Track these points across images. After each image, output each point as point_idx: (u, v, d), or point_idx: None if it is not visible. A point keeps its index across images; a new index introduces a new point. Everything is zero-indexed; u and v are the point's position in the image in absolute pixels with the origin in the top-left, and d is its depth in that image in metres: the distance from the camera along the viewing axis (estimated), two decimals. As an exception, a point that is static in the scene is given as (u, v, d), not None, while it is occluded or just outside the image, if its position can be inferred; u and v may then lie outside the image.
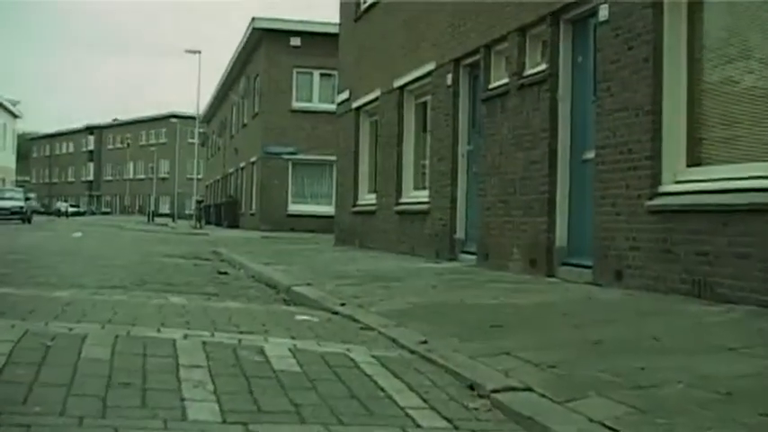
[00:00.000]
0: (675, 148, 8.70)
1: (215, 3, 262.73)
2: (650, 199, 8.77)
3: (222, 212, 48.15)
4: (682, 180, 8.60)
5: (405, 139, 17.38)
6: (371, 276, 11.07)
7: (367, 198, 19.99)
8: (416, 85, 16.60)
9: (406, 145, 17.35)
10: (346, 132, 21.52)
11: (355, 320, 6.95)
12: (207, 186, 70.69)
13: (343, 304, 7.95)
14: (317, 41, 35.33)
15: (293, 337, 5.69)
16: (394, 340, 5.87)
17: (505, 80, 12.30)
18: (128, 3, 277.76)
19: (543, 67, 11.23)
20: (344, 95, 21.75)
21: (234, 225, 44.32)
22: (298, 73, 38.33)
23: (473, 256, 13.33)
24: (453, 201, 14.37)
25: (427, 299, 8.19)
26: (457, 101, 14.34)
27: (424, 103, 16.69)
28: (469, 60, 13.99)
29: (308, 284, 10.02)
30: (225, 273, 13.01)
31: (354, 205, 20.55)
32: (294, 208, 38.30)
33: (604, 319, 6.68)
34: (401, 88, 17.30)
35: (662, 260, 8.51)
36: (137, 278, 11.00)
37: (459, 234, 14.27)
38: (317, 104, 37.64)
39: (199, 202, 48.73)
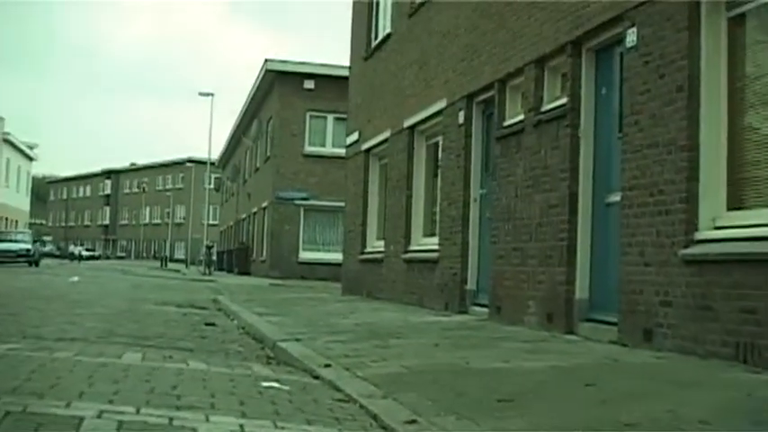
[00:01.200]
0: (715, 190, 7.59)
1: (233, 46, 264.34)
2: (685, 247, 7.64)
3: (233, 259, 47.15)
4: (722, 226, 7.48)
5: (414, 182, 16.32)
6: (369, 331, 9.94)
7: (375, 245, 18.90)
8: (427, 124, 15.56)
9: (415, 189, 16.28)
10: (355, 176, 20.49)
11: (336, 388, 5.83)
12: (221, 232, 69.90)
13: (328, 365, 6.82)
14: (331, 84, 34.45)
15: (244, 415, 4.55)
16: (375, 417, 4.75)
17: (521, 116, 11.24)
18: (145, 45, 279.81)
19: (563, 101, 10.16)
20: (354, 137, 20.75)
21: (245, 272, 43.26)
22: (311, 116, 37.45)
23: (485, 309, 12.19)
24: (464, 248, 13.26)
25: (427, 361, 7.05)
26: (469, 141, 13.27)
27: (436, 144, 15.63)
28: (483, 97, 12.95)
29: (297, 340, 8.92)
30: (212, 324, 11.90)
31: (362, 253, 19.45)
32: (305, 255, 37.21)
33: (636, 391, 5.52)
34: (411, 128, 16.27)
35: (699, 318, 7.36)
36: (105, 329, 9.90)
37: (471, 285, 13.14)
38: (330, 149, 36.62)
39: (208, 247, 47.61)
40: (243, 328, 11.66)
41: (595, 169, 9.73)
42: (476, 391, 5.47)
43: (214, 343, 9.39)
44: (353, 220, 20.35)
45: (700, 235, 7.60)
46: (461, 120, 13.42)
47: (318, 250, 37.38)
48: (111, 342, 8.45)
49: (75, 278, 28.74)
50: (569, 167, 9.82)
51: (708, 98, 7.68)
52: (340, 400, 5.34)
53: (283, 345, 8.56)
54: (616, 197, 9.11)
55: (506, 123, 11.70)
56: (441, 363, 6.92)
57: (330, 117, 36.79)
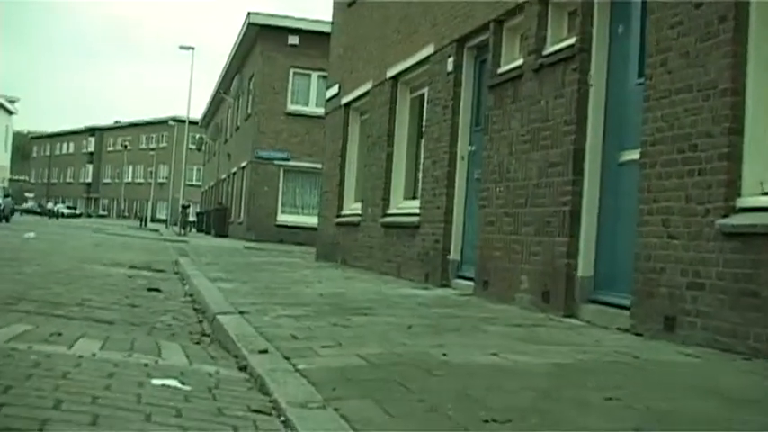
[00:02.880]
0: (764, 145, 6.05)
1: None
2: (724, 216, 6.10)
3: (211, 220, 45.55)
4: (773, 191, 5.96)
5: (396, 139, 14.71)
6: (333, 305, 8.39)
7: (352, 208, 17.32)
8: (412, 74, 13.95)
9: (397, 146, 14.68)
10: (333, 132, 18.88)
11: (261, 388, 4.30)
12: (203, 193, 68.26)
13: (264, 351, 5.27)
14: (316, 41, 32.52)
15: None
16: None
17: (519, 62, 9.65)
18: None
19: (570, 41, 8.57)
20: (333, 90, 19.12)
21: (222, 234, 41.63)
22: (294, 74, 35.73)
23: (470, 283, 10.66)
24: (448, 213, 11.70)
25: (394, 349, 5.49)
26: (459, 91, 11.68)
27: (421, 97, 14.04)
28: (476, 41, 11.35)
29: (242, 313, 7.38)
30: (156, 290, 10.35)
31: (338, 216, 17.88)
32: (284, 218, 35.62)
33: (676, 409, 3.98)
34: (395, 79, 14.65)
35: (741, 306, 5.84)
36: (17, 292, 8.32)
37: (454, 254, 11.59)
38: (313, 108, 34.83)
39: (184, 207, 45.98)
40: (191, 295, 10.13)
41: (607, 122, 8.17)
42: (454, 401, 3.91)
43: (144, 313, 7.84)
44: (330, 180, 18.76)
45: (743, 201, 6.06)
46: (450, 67, 11.82)
47: (298, 213, 35.82)
48: (10, 310, 6.88)
49: (31, 234, 27.02)
50: (576, 120, 8.26)
51: (758, 30, 6.12)
52: (258, 412, 3.78)
53: (225, 318, 7.02)
54: (632, 155, 7.57)
55: (502, 70, 10.12)
56: (411, 352, 5.36)
57: (314, 75, 35.02)
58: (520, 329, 6.91)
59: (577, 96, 8.26)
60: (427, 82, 12.93)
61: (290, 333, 6.15)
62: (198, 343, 6.27)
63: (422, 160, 13.10)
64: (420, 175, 13.31)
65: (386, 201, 14.74)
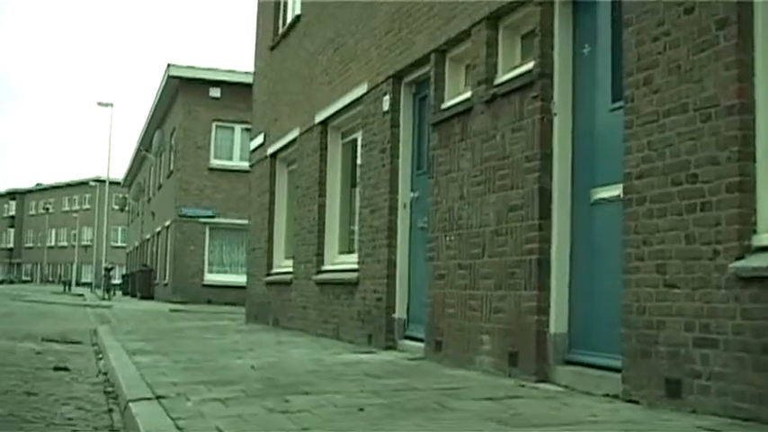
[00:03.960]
0: (784, 171, 5.03)
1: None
2: (738, 258, 5.05)
3: (136, 282, 43.80)
4: (799, 225, 4.92)
5: (329, 189, 13.57)
6: (267, 380, 7.15)
7: (283, 265, 16.08)
8: (343, 117, 12.84)
9: (330, 197, 13.53)
10: (260, 185, 17.67)
11: None
12: (127, 254, 66.25)
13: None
14: (239, 93, 31.31)
15: None
16: None
17: (467, 94, 8.60)
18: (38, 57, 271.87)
19: (528, 66, 7.54)
20: (258, 140, 17.93)
21: (148, 296, 39.94)
22: (217, 127, 34.45)
23: (420, 344, 9.51)
24: (391, 267, 10.54)
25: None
26: (397, 131, 10.59)
27: (354, 143, 12.95)
28: (414, 75, 10.31)
29: (161, 398, 6.13)
30: (64, 368, 9.04)
31: (268, 274, 16.62)
32: (211, 278, 34.14)
33: None
34: (324, 124, 13.53)
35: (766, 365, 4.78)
36: None
37: (400, 313, 10.42)
38: (237, 162, 33.57)
39: (107, 270, 44.16)
40: (105, 373, 8.84)
41: (576, 156, 7.12)
42: None
43: (43, 404, 6.55)
44: (258, 236, 17.51)
45: (761, 239, 5.02)
46: (386, 106, 10.75)
47: (226, 272, 34.40)
48: None
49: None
50: (539, 155, 7.20)
51: (766, 34, 5.13)
52: None
53: (136, 408, 5.76)
54: (609, 191, 6.54)
55: (447, 105, 9.06)
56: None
57: (238, 128, 33.81)
58: (493, 405, 5.74)
59: (540, 128, 7.20)
60: (361, 124, 11.84)
61: (216, 426, 4.91)
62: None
63: (358, 210, 11.96)
64: (357, 226, 12.18)
65: (320, 256, 13.56)
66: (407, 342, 10.09)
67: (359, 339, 11.21)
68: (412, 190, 10.42)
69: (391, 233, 10.57)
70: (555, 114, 7.19)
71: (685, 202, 5.45)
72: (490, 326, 7.77)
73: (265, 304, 16.60)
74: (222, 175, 34.03)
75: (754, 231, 5.06)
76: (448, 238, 8.72)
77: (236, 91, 32.12)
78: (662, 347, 5.55)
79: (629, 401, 5.78)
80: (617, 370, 6.16)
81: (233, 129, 34.26)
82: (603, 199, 6.66)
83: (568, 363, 6.93)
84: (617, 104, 6.50)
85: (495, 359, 7.64)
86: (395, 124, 10.58)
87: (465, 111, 8.51)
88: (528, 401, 5.89)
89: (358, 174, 12.40)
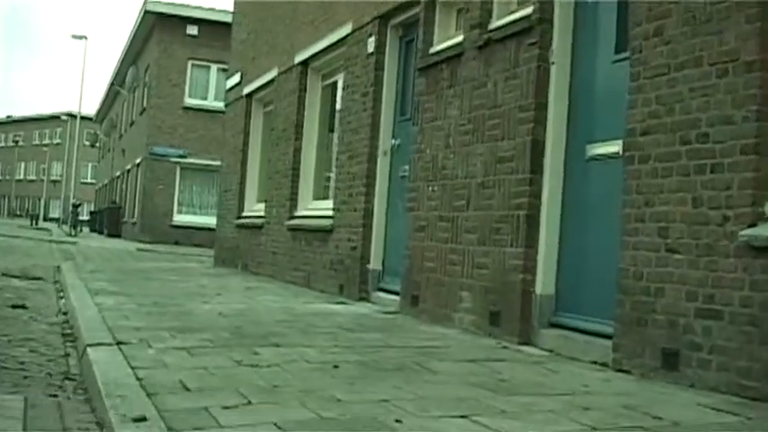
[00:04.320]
0: (806, 133, 4.66)
1: None
2: (751, 225, 4.69)
3: (104, 219, 43.17)
4: (820, 193, 4.57)
5: (306, 131, 13.11)
6: (236, 329, 6.76)
7: (255, 209, 15.66)
8: (325, 58, 12.35)
9: (306, 140, 13.08)
10: (234, 125, 17.17)
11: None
12: (97, 191, 65.50)
13: (140, 419, 3.65)
14: (217, 31, 30.64)
15: None
16: None
17: (458, 38, 8.16)
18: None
19: (527, 11, 7.10)
20: (235, 79, 17.40)
21: (115, 234, 39.38)
22: (193, 66, 33.74)
23: (394, 297, 9.15)
24: (368, 216, 10.15)
25: (324, 411, 3.90)
26: (381, 75, 10.15)
27: (334, 85, 12.49)
28: (402, 17, 9.86)
29: (122, 343, 5.74)
30: (22, 306, 8.62)
31: (239, 217, 16.19)
32: (180, 218, 33.63)
33: None
34: (304, 64, 13.04)
35: (779, 344, 4.44)
36: None
37: (375, 264, 10.05)
38: (212, 102, 32.93)
39: (75, 206, 43.44)
40: (65, 313, 8.43)
41: (573, 108, 6.72)
42: None
43: (-7, 344, 6.14)
44: (230, 178, 17.04)
45: (778, 207, 4.67)
46: (371, 48, 10.29)
47: (195, 213, 33.92)
48: None
49: None
50: (533, 105, 6.80)
51: (795, -15, 4.74)
52: None
53: (95, 354, 5.37)
54: (607, 147, 6.16)
55: (436, 49, 8.61)
56: (349, 419, 3.80)
57: (214, 67, 33.10)
58: (477, 368, 5.39)
59: (536, 77, 6.79)
60: (343, 66, 11.37)
61: (179, 380, 4.52)
62: (55, 395, 4.62)
63: (335, 155, 11.53)
64: (333, 172, 11.76)
65: (293, 201, 13.14)
66: (381, 294, 9.73)
67: (330, 289, 10.84)
68: (393, 137, 10.01)
69: (370, 181, 10.17)
70: (553, 63, 6.77)
71: (694, 162, 5.08)
72: (471, 282, 7.40)
73: (235, 248, 16.18)
74: (196, 114, 33.41)
75: (769, 197, 4.70)
76: (430, 189, 8.32)
77: (214, 30, 31.44)
78: (659, 316, 5.21)
79: (620, 371, 5.44)
80: (606, 336, 5.82)
81: (209, 68, 33.58)
82: (600, 155, 6.27)
83: (553, 326, 6.58)
84: (621, 56, 6.10)
85: (475, 317, 7.29)
86: (379, 67, 10.14)
87: (455, 56, 8.08)
88: (513, 365, 5.54)
89: (337, 118, 11.97)
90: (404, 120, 9.76)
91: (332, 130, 12.70)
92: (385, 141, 10.07)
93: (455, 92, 8.03)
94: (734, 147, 4.81)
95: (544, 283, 6.66)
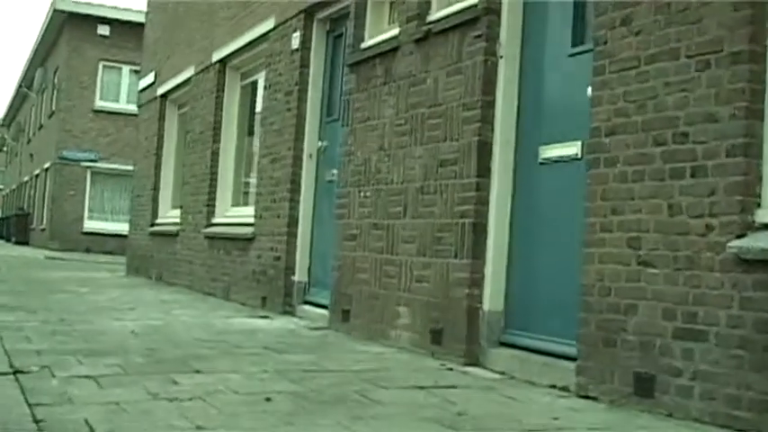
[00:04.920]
0: (801, 132, 4.14)
1: None
2: (739, 236, 4.15)
3: (11, 227, 41.65)
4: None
5: (223, 135, 12.39)
6: (152, 352, 6.04)
7: (169, 215, 14.86)
8: (245, 55, 11.65)
9: (225, 143, 12.36)
10: (147, 128, 16.34)
11: None
12: (4, 197, 63.51)
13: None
14: (129, 32, 29.66)
15: None
16: None
17: (394, 31, 7.55)
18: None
19: (471, 1, 6.51)
20: (149, 79, 16.57)
21: (23, 242, 37.98)
22: (104, 67, 32.59)
23: (322, 311, 8.51)
24: (292, 224, 9.49)
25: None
26: (306, 73, 9.50)
27: (254, 85, 11.82)
28: (329, 11, 9.24)
29: (18, 373, 5.00)
30: None
31: (153, 224, 15.36)
32: (91, 225, 32.43)
33: None
34: (222, 63, 12.31)
35: (776, 371, 3.91)
36: None
37: (300, 275, 9.37)
38: (125, 105, 31.89)
39: (-20, 212, 41.91)
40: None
41: (523, 107, 6.15)
42: None
43: None
44: (144, 183, 16.20)
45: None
46: (296, 44, 9.63)
47: (107, 220, 32.75)
48: None
49: None
50: (480, 103, 6.21)
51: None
52: None
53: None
54: (565, 149, 5.61)
55: (367, 44, 8.00)
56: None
57: (126, 69, 32.03)
58: (426, 396, 4.77)
59: (482, 72, 6.20)
60: (264, 64, 10.69)
61: (85, 420, 3.82)
62: None
63: (257, 159, 10.84)
64: (254, 177, 11.07)
65: (210, 207, 12.40)
66: (307, 308, 9.08)
67: (252, 301, 10.15)
68: (320, 139, 9.36)
69: (294, 186, 9.51)
70: (501, 57, 6.19)
71: (670, 165, 4.53)
72: (410, 297, 6.79)
73: (148, 257, 15.35)
74: (108, 117, 32.31)
75: (758, 205, 4.17)
76: (362, 195, 7.70)
77: (126, 30, 30.44)
78: (631, 336, 4.65)
79: (585, 397, 4.88)
80: (566, 357, 5.28)
81: (121, 69, 32.50)
82: (556, 158, 5.72)
83: (504, 345, 6.00)
84: (579, 49, 5.56)
85: (414, 335, 6.67)
86: (304, 64, 9.48)
87: (390, 51, 7.46)
88: (466, 393, 4.93)
89: (258, 119, 11.28)
90: (331, 120, 9.12)
91: (252, 133, 12.02)
92: (311, 144, 9.42)
93: (390, 89, 7.41)
94: (718, 147, 4.27)
95: (492, 298, 6.07)
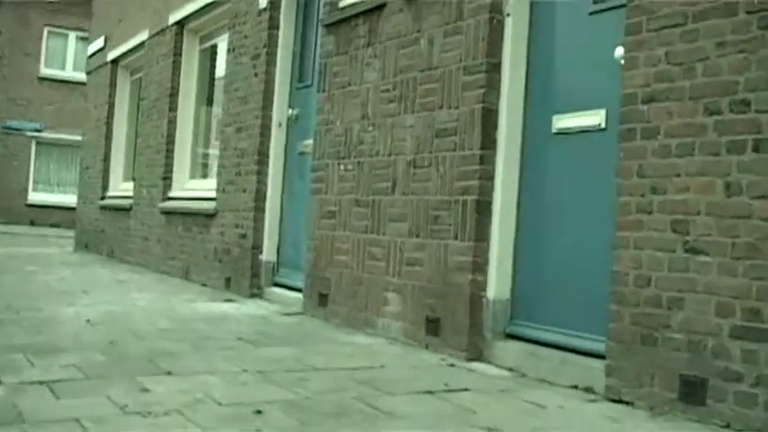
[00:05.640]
0: None
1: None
2: (820, 221, 3.53)
3: (-49, 198, 40.38)
4: None
5: (181, 102, 11.56)
6: (113, 347, 5.32)
7: (122, 188, 14.04)
8: (206, 17, 10.83)
9: (183, 111, 11.54)
10: (97, 95, 15.44)
11: None
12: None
13: None
14: (76, -3, 28.72)
15: None
16: None
17: (378, -12, 6.83)
18: None
19: (470, -49, 5.82)
20: (98, 44, 15.65)
21: (-37, 214, 36.79)
22: (50, 33, 31.41)
23: (294, 294, 7.84)
24: (260, 199, 8.76)
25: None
26: (275, 34, 8.74)
27: (214, 48, 11.04)
28: (302, -33, 8.49)
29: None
30: None
31: (103, 197, 14.53)
32: (36, 197, 31.32)
33: None
34: (180, 25, 11.49)
35: None
36: None
37: (269, 254, 8.66)
38: (71, 73, 30.78)
39: None
40: None
41: (534, 71, 5.48)
42: None
43: None
44: (93, 153, 15.32)
45: None
46: (263, 3, 8.87)
47: (53, 191, 31.68)
48: None
49: None
50: (484, 66, 5.53)
51: None
52: None
53: None
54: (585, 119, 4.95)
55: (348, 1, 7.28)
56: None
57: (72, 35, 30.97)
58: (439, 403, 4.11)
59: (488, 31, 5.52)
60: (228, 26, 9.90)
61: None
62: None
63: (219, 128, 10.08)
64: (216, 148, 10.31)
65: (167, 180, 11.61)
66: (277, 290, 8.38)
67: (214, 282, 9.43)
68: (290, 106, 8.62)
69: (262, 157, 8.77)
70: (508, 15, 5.52)
71: (727, 138, 3.89)
72: (400, 282, 6.12)
73: (99, 232, 14.52)
74: (53, 85, 31.14)
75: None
76: (343, 168, 7.00)
77: (73, -6, 29.41)
78: (676, 334, 4.03)
79: (617, 401, 4.25)
80: (583, 353, 4.67)
81: (67, 36, 31.37)
82: (573, 129, 5.06)
83: (510, 337, 5.36)
84: (602, 5, 4.90)
85: (406, 324, 6.01)
86: (273, 25, 8.72)
87: (375, 8, 6.74)
88: (483, 399, 4.27)
89: (220, 86, 10.51)
90: (303, 86, 8.39)
91: (212, 101, 11.26)
92: (280, 112, 8.67)
93: (375, 51, 6.71)
94: (792, 116, 3.64)
95: (498, 284, 5.42)
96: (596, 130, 4.86)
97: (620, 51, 4.58)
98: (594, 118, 4.87)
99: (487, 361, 5.31)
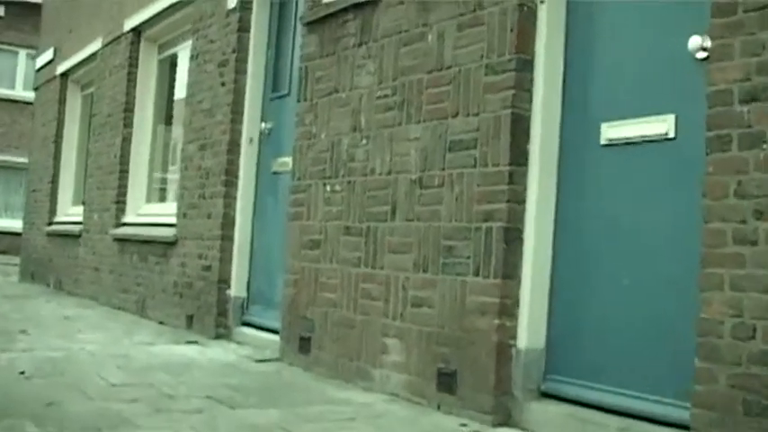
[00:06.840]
0: None
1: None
2: None
3: None
4: None
5: (137, 119, 10.49)
6: (50, 410, 4.22)
7: (70, 213, 12.89)
8: (166, 22, 9.78)
9: (139, 128, 10.47)
10: (46, 112, 14.30)
11: None
12: None
13: None
14: (26, 12, 27.49)
15: None
16: None
17: (370, -20, 5.82)
18: None
19: (490, -73, 4.83)
20: (47, 56, 14.53)
21: None
22: (-2, 51, 30.32)
23: (267, 336, 6.81)
24: (228, 225, 7.69)
25: None
26: (246, 38, 7.71)
27: (175, 58, 10.00)
28: (277, -39, 7.48)
29: None
30: None
31: (50, 222, 13.37)
32: (-21, 222, 30.10)
33: None
34: (136, 32, 10.42)
35: None
36: None
37: (237, 290, 7.57)
38: (21, 93, 29.60)
39: None
40: None
41: (572, 69, 4.49)
42: None
43: None
44: (40, 174, 14.15)
45: None
46: (232, 3, 7.84)
47: (0, 216, 30.44)
48: None
49: None
50: (513, 63, 4.52)
51: None
52: None
53: None
54: (647, 127, 3.97)
55: (333, -3, 6.28)
56: None
57: (22, 53, 29.71)
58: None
59: (516, 22, 4.52)
60: (190, 31, 8.86)
61: None
62: None
63: (180, 146, 9.01)
64: (176, 168, 9.24)
65: (120, 204, 10.49)
66: (246, 330, 7.32)
67: (173, 320, 8.34)
68: (263, 119, 7.58)
69: (230, 178, 7.71)
70: (542, 1, 4.53)
71: None
72: (403, 326, 5.08)
73: (46, 260, 13.34)
74: (2, 105, 29.95)
75: None
76: (329, 189, 5.96)
77: (23, 10, 28.17)
78: (799, 405, 3.03)
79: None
80: (648, 419, 3.67)
81: (16, 53, 30.17)
82: (630, 139, 4.07)
83: (545, 396, 4.34)
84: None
85: (410, 378, 4.97)
86: (244, 27, 7.68)
87: (368, 1, 5.74)
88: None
89: (180, 100, 9.46)
90: (279, 96, 7.35)
91: (172, 116, 10.21)
92: (251, 126, 7.63)
93: (369, 51, 5.69)
94: None
95: (530, 332, 4.40)
96: (662, 139, 3.88)
97: (695, 41, 3.61)
98: (660, 125, 3.89)
99: (518, 426, 4.28)
